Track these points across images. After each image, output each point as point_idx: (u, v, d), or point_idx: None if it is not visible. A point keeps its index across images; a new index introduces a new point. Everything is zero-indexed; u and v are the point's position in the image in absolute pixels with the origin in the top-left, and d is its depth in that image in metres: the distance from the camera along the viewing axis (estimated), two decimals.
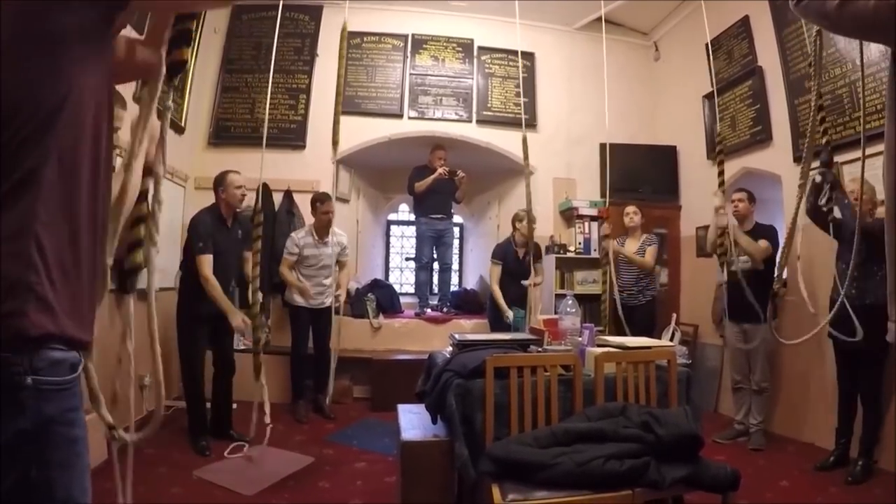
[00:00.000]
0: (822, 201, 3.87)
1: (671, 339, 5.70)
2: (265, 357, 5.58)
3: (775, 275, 4.42)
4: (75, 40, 1.05)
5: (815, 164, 4.59)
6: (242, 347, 5.19)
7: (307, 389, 5.38)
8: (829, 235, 3.94)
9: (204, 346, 4.45)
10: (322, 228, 5.30)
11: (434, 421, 3.03)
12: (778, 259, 4.76)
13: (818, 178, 4.05)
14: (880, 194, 3.98)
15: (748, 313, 4.56)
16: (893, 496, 3.56)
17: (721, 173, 4.42)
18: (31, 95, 1.01)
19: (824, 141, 3.69)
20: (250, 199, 4.50)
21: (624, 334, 4.32)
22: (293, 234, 5.41)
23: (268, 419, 3.65)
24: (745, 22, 5.85)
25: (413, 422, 3.18)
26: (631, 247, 5.58)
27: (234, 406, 4.65)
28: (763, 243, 4.75)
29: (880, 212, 3.92)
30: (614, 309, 5.22)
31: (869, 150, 4.37)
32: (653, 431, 2.50)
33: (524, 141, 4.68)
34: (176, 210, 5.51)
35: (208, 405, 4.49)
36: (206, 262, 4.25)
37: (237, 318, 4.32)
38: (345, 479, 3.82)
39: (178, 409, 4.83)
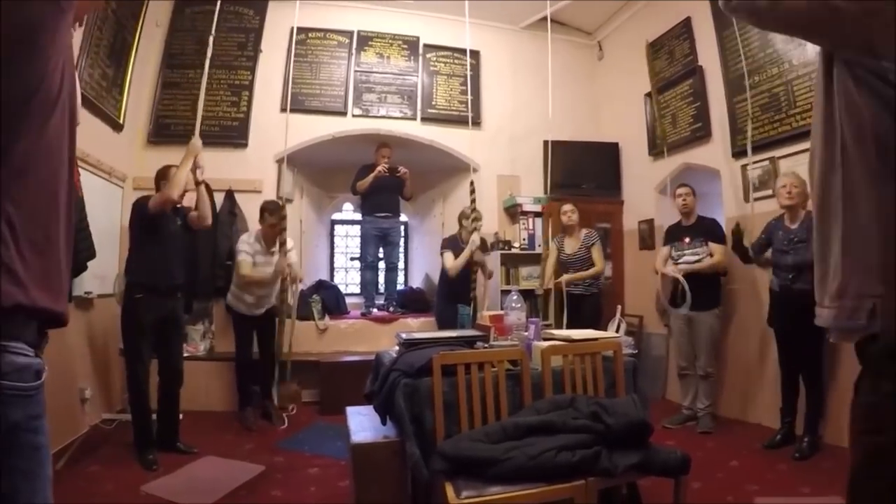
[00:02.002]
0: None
1: (617, 331, 5.77)
2: (209, 364, 5.54)
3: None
4: (47, 26, 1.04)
5: (755, 159, 4.79)
6: (187, 355, 5.04)
7: (254, 396, 5.26)
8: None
9: (149, 355, 4.23)
10: (269, 239, 5.15)
11: (384, 422, 2.99)
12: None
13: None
14: None
15: (694, 302, 4.76)
16: (839, 468, 3.67)
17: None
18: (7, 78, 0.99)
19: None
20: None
21: (571, 326, 4.38)
22: (243, 237, 5.22)
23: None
24: (687, 23, 5.99)
25: (363, 423, 3.15)
26: (571, 245, 5.61)
27: (182, 417, 4.47)
28: (716, 248, 4.93)
29: (811, 204, 4.07)
30: (560, 300, 5.32)
31: (804, 146, 4.58)
32: (602, 421, 2.52)
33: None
34: (114, 212, 5.29)
35: (154, 417, 4.29)
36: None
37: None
38: (298, 485, 3.73)
39: (122, 423, 4.63)
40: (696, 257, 4.91)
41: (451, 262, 5.55)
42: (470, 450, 2.42)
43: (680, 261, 4.99)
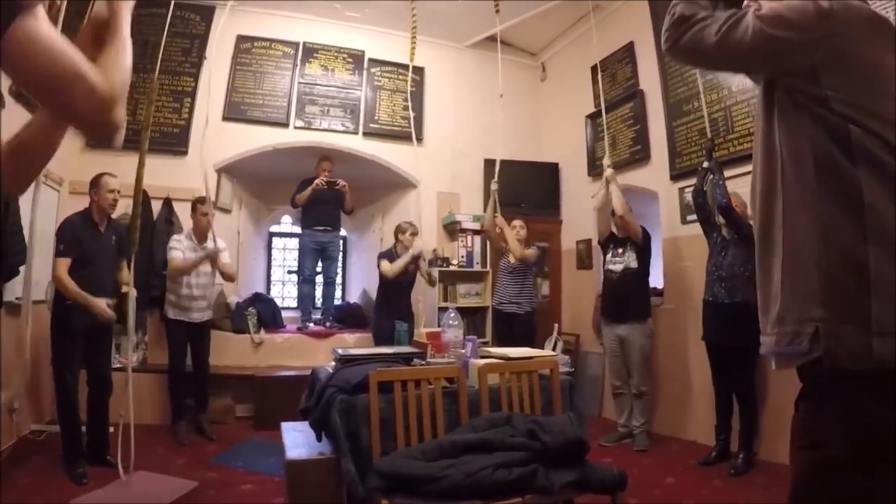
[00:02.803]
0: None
1: (554, 349, 5.88)
2: (142, 376, 5.36)
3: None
4: None
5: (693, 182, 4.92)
6: (118, 365, 4.87)
7: (188, 409, 5.11)
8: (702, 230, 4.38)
9: (78, 364, 4.09)
10: (200, 232, 5.08)
11: (319, 438, 2.95)
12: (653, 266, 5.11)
13: (706, 164, 4.49)
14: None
15: (624, 313, 4.86)
16: (774, 484, 3.80)
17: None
18: None
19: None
20: (126, 206, 4.26)
21: (508, 345, 4.42)
22: (173, 237, 5.14)
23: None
24: (629, 47, 6.15)
25: (298, 440, 3.10)
26: (512, 235, 5.67)
27: (111, 429, 4.31)
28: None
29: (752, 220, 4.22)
30: (496, 317, 5.38)
31: (742, 170, 4.76)
32: (539, 439, 2.53)
33: None
34: (49, 216, 5.06)
35: (84, 429, 4.13)
36: (62, 265, 3.96)
37: (100, 306, 4.02)
38: (231, 502, 3.65)
39: (51, 434, 4.45)
40: (623, 264, 5.06)
41: (388, 266, 5.59)
42: (406, 467, 2.40)
43: (609, 265, 5.16)
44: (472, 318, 6.44)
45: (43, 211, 4.83)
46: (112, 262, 4.35)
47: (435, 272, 6.25)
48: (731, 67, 1.50)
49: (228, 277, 5.35)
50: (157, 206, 5.82)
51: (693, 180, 4.76)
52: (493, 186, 5.70)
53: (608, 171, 5.13)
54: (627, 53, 6.17)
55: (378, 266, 5.70)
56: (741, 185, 4.59)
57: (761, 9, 1.34)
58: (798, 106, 1.31)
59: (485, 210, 6.02)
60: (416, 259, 5.69)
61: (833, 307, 1.21)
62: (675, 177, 5.41)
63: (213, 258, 5.05)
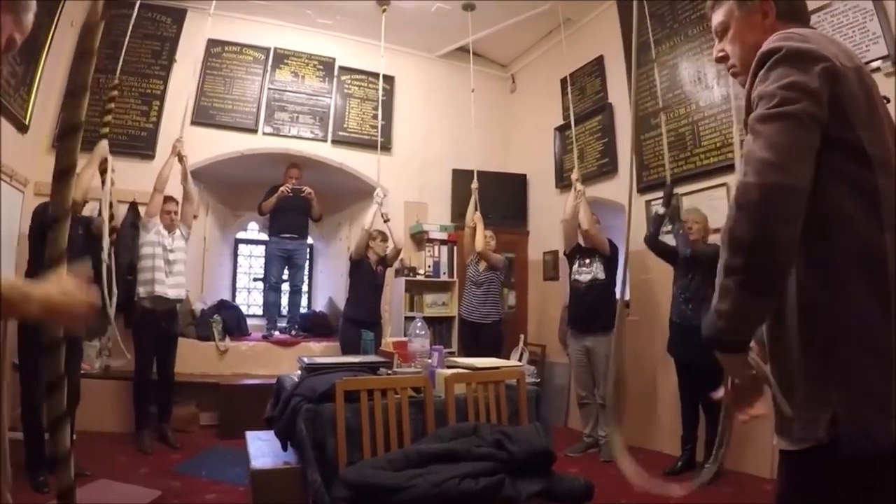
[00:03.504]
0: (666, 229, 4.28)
1: (520, 359, 5.92)
2: (105, 383, 5.27)
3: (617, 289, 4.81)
4: None
5: (660, 195, 4.99)
6: (82, 373, 4.77)
7: (151, 417, 5.02)
8: (664, 261, 4.37)
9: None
10: (167, 226, 5.06)
11: (284, 447, 2.94)
12: (620, 279, 5.13)
13: (660, 210, 4.51)
14: (715, 223, 4.38)
15: (590, 324, 4.90)
16: (740, 493, 3.85)
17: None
18: None
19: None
20: (92, 209, 4.19)
21: (475, 355, 4.44)
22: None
23: None
24: (599, 61, 6.23)
25: (263, 449, 3.08)
26: (484, 266, 5.73)
27: (75, 437, 4.23)
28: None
29: (713, 238, 4.30)
30: (462, 326, 5.40)
31: (708, 183, 4.83)
32: (506, 449, 2.53)
33: None
34: (13, 218, 4.96)
35: (47, 436, 4.05)
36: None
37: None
38: None
39: (13, 442, 4.35)
40: (590, 274, 5.10)
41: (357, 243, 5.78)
42: (373, 477, 2.39)
43: (576, 276, 5.19)
44: (438, 327, 6.44)
45: (7, 212, 4.73)
46: (81, 255, 4.21)
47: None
48: (809, 163, 1.19)
49: (188, 196, 5.29)
50: (122, 210, 5.66)
51: (659, 193, 4.83)
52: (474, 185, 5.89)
53: (578, 186, 5.19)
54: (597, 67, 6.25)
55: (350, 259, 5.85)
56: (705, 199, 4.68)
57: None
58: (821, 163, 1.20)
59: (463, 214, 6.18)
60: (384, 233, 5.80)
61: (852, 390, 1.15)
62: (643, 189, 5.47)
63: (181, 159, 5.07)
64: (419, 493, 2.31)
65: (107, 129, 3.94)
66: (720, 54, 1.54)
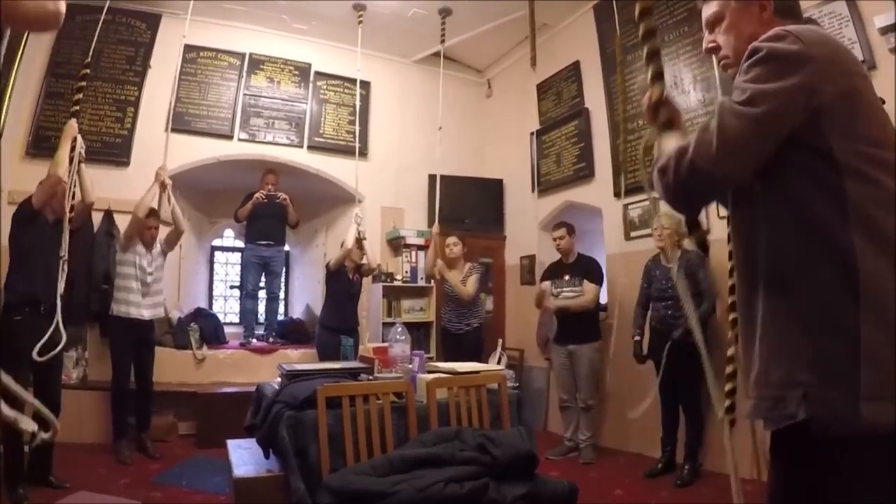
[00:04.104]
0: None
1: (498, 364, 5.93)
2: (83, 393, 5.20)
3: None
4: None
5: (636, 199, 4.97)
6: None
7: (130, 427, 4.95)
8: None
9: (26, 384, 3.89)
10: (147, 243, 4.98)
11: (266, 455, 2.93)
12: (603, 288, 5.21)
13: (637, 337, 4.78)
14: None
15: (575, 336, 4.95)
16: (720, 494, 3.86)
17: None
18: None
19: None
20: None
21: (453, 360, 4.45)
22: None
23: None
24: (575, 66, 6.27)
25: (244, 457, 3.06)
26: (454, 277, 5.67)
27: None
28: (588, 287, 5.10)
29: (686, 242, 4.33)
30: (443, 335, 5.40)
31: None
32: (489, 453, 2.54)
33: None
34: None
35: (26, 448, 3.92)
36: None
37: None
38: None
39: None
40: (574, 294, 5.09)
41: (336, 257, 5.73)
42: (357, 483, 2.39)
43: (560, 296, 5.18)
44: (416, 333, 6.41)
45: None
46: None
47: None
48: (745, 163, 1.27)
49: (177, 224, 5.24)
50: (97, 218, 5.60)
51: (637, 196, 4.88)
52: (435, 230, 5.74)
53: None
54: (573, 72, 6.29)
55: (326, 268, 5.78)
56: None
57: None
58: (791, 165, 1.26)
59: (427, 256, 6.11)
60: (360, 244, 5.75)
61: (822, 372, 1.18)
62: (619, 193, 5.51)
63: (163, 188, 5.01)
64: (404, 498, 2.31)
65: (76, 108, 3.82)
66: (711, 45, 1.55)
